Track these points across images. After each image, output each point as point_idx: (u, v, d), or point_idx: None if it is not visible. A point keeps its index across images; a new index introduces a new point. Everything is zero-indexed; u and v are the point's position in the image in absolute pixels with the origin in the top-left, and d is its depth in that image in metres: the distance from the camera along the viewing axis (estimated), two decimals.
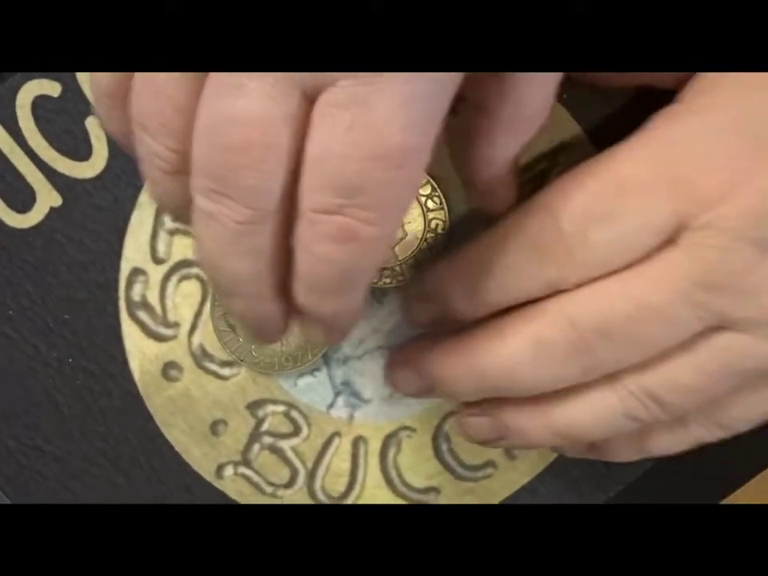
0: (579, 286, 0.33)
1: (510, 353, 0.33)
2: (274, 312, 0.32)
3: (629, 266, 0.32)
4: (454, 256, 0.35)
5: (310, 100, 0.28)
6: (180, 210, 0.31)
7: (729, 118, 0.32)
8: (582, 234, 0.32)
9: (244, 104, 0.27)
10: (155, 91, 0.29)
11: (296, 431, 0.40)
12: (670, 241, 0.32)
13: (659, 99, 0.35)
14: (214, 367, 0.40)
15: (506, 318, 0.34)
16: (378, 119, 0.27)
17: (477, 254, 0.34)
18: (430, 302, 0.36)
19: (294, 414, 0.40)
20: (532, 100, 0.32)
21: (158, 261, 0.39)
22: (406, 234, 0.38)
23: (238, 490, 0.40)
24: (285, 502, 0.40)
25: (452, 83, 0.28)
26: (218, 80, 0.28)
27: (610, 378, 0.33)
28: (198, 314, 0.40)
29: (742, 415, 0.35)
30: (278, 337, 0.33)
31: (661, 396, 0.33)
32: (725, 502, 0.41)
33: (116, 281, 0.40)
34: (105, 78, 0.31)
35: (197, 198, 0.29)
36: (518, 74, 0.31)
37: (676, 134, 0.32)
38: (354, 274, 0.30)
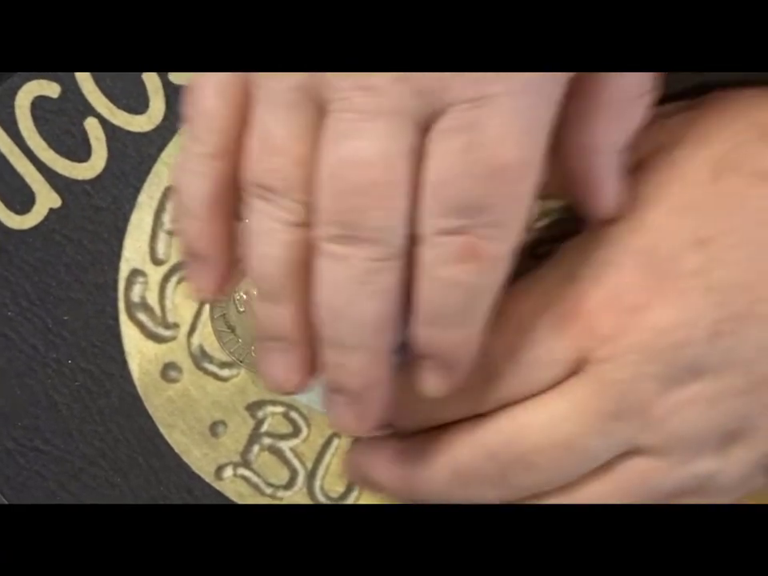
0: (497, 408, 0.34)
1: (432, 476, 0.34)
2: (388, 375, 0.32)
3: (539, 393, 0.33)
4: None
5: (423, 130, 0.29)
6: (293, 266, 0.31)
7: (626, 253, 0.32)
8: (491, 369, 0.33)
9: (363, 146, 0.28)
10: (273, 147, 0.30)
11: (295, 432, 0.40)
12: (574, 371, 0.33)
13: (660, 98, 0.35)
14: (213, 368, 0.40)
15: (432, 439, 0.35)
16: (492, 138, 0.28)
17: (404, 382, 0.34)
18: None
19: (294, 414, 0.40)
20: (626, 82, 0.32)
21: (157, 262, 0.39)
22: None
23: (237, 491, 0.40)
24: (284, 503, 0.40)
25: (556, 94, 0.29)
26: (333, 127, 0.29)
27: (533, 498, 0.34)
28: (197, 315, 0.40)
29: None
30: (383, 415, 0.33)
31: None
32: None
33: (115, 282, 0.40)
34: (210, 135, 0.31)
35: (323, 245, 0.30)
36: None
37: (577, 270, 0.33)
38: (477, 297, 0.30)
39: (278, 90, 0.30)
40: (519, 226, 0.30)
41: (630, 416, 0.32)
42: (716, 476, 0.33)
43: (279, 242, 0.30)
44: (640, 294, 0.32)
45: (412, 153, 0.29)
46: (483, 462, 0.33)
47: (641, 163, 0.34)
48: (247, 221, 0.31)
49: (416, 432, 0.36)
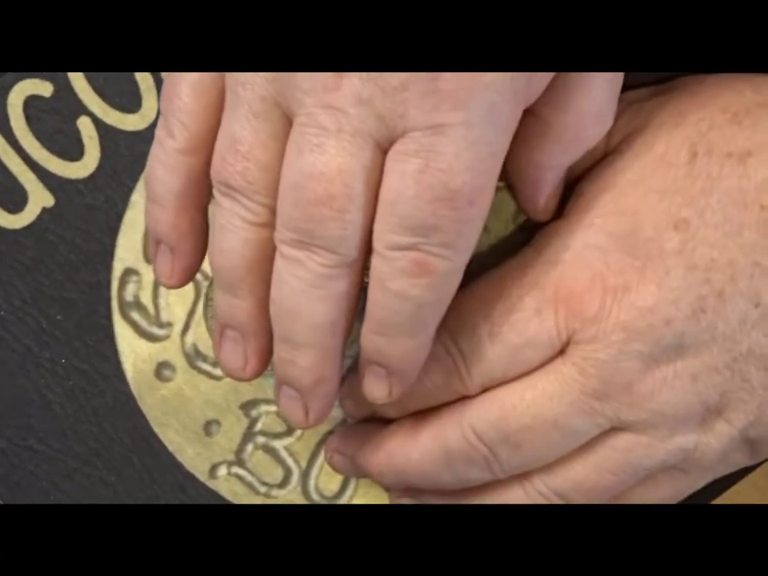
0: (483, 391, 0.35)
1: (421, 457, 0.36)
2: (335, 374, 0.33)
3: (525, 374, 0.34)
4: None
5: (383, 150, 0.30)
6: (252, 262, 0.33)
7: (607, 236, 0.34)
8: (478, 353, 0.35)
9: (325, 160, 0.30)
10: (241, 152, 0.31)
11: (289, 431, 0.40)
12: (560, 352, 0.34)
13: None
14: (207, 367, 0.40)
15: (421, 421, 0.36)
16: (446, 164, 0.30)
17: None
18: (360, 401, 0.37)
19: None
20: (586, 111, 0.33)
21: (150, 261, 0.39)
22: None
23: (231, 489, 0.40)
24: (279, 502, 0.40)
25: (511, 126, 0.31)
26: (297, 140, 0.30)
27: (520, 477, 0.35)
28: (191, 314, 0.40)
29: (641, 502, 0.36)
30: (328, 411, 0.35)
31: (569, 495, 0.35)
32: (718, 500, 0.41)
33: (108, 281, 0.40)
34: (183, 132, 0.33)
35: (282, 248, 0.31)
36: (573, 85, 0.32)
37: (559, 254, 0.34)
38: (426, 311, 0.32)
39: (248, 99, 0.31)
40: (468, 247, 0.31)
41: (614, 395, 0.33)
42: (698, 450, 0.34)
43: (240, 240, 0.32)
44: (623, 276, 0.33)
45: (370, 170, 0.30)
46: (472, 443, 0.35)
47: (617, 147, 0.35)
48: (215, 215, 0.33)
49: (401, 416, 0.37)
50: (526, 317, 0.34)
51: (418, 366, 0.33)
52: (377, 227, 0.31)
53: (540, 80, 0.31)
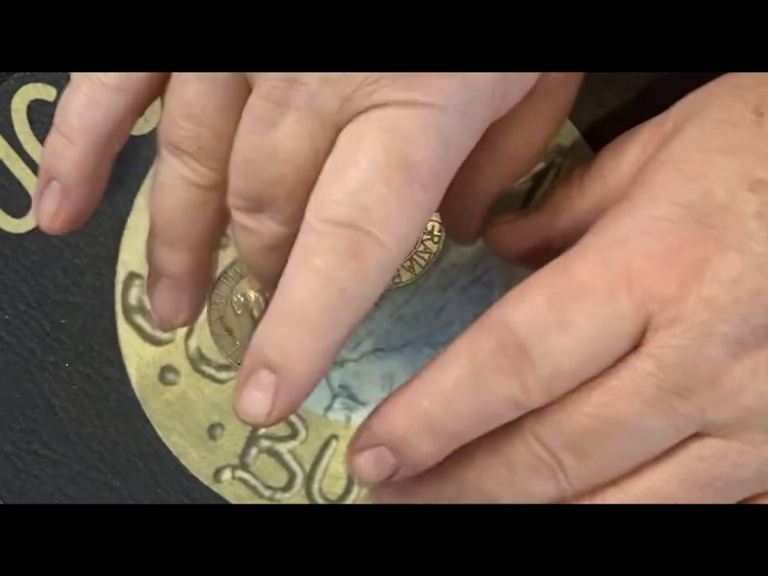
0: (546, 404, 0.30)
1: (481, 473, 0.31)
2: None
3: (595, 377, 0.30)
4: (401, 388, 0.31)
5: (338, 130, 0.29)
6: (193, 222, 0.32)
7: (676, 206, 0.30)
8: (543, 344, 0.29)
9: (282, 139, 0.29)
10: (195, 118, 0.30)
11: (293, 434, 0.40)
12: (635, 346, 0.30)
13: (654, 100, 0.35)
14: (210, 371, 0.40)
15: (484, 439, 0.31)
16: (411, 135, 0.28)
17: (429, 382, 0.31)
18: (379, 449, 0.31)
19: (292, 417, 0.40)
20: (533, 138, 0.33)
21: None
22: None
23: (235, 493, 0.40)
24: (283, 504, 0.40)
25: (478, 123, 0.29)
26: (255, 113, 0.29)
27: (591, 494, 0.31)
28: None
29: None
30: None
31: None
32: None
33: (113, 285, 0.40)
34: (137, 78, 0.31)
35: (235, 213, 0.31)
36: (525, 110, 0.31)
37: (626, 231, 0.30)
38: (344, 305, 0.28)
39: None
40: (407, 242, 0.29)
41: (697, 389, 0.29)
42: None
43: (184, 199, 0.31)
44: (700, 246, 0.29)
45: (324, 153, 0.29)
46: (536, 451, 0.30)
47: (678, 128, 0.32)
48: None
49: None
50: (598, 301, 0.29)
51: (314, 379, 0.29)
52: (314, 198, 0.29)
53: (515, 91, 0.30)
